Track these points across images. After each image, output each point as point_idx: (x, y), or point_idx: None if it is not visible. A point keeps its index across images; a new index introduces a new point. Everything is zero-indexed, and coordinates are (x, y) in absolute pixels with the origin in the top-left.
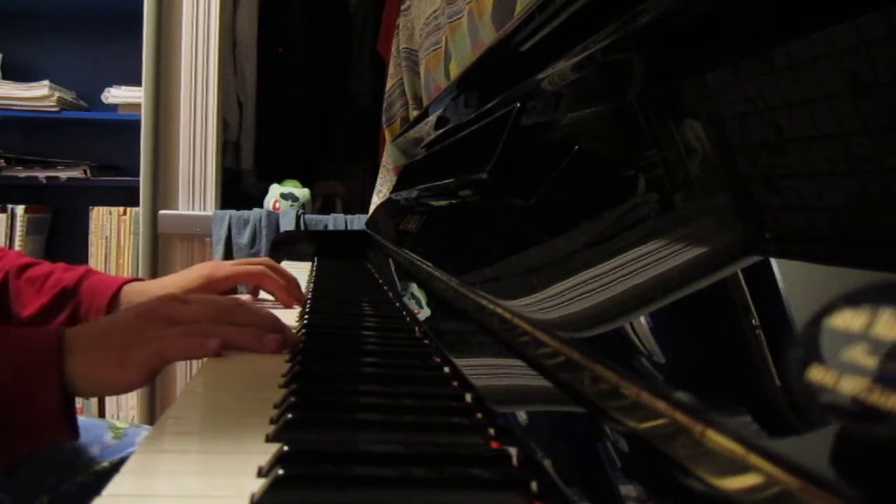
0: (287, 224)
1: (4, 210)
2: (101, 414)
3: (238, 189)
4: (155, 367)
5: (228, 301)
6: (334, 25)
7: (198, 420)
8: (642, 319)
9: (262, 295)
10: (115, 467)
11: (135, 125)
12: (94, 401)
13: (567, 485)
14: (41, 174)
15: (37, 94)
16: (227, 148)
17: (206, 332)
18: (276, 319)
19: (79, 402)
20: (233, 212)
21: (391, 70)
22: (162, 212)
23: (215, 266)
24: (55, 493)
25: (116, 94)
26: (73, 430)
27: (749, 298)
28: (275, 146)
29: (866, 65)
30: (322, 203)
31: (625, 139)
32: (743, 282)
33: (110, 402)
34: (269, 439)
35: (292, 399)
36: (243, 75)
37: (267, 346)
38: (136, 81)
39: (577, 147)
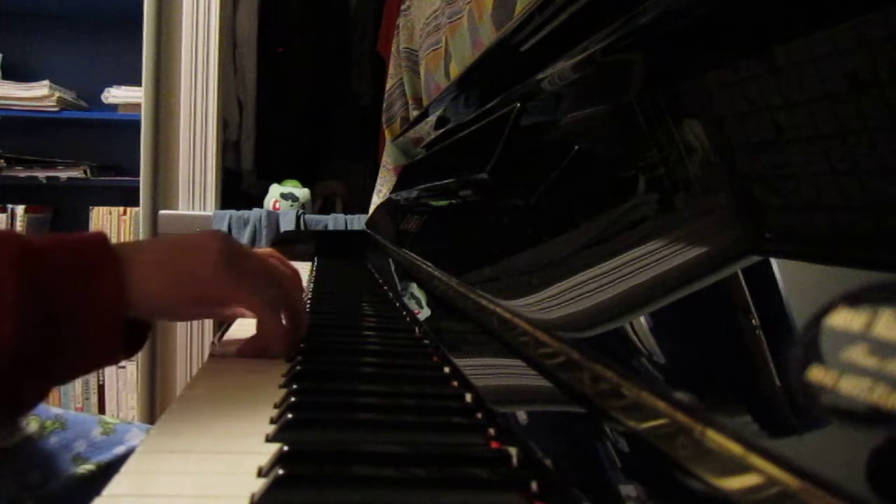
0: (287, 224)
1: (4, 210)
2: (102, 411)
3: (238, 189)
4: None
5: (294, 270)
6: (334, 25)
7: (198, 420)
8: (642, 319)
9: None
10: (102, 470)
11: (135, 125)
12: (94, 399)
13: (567, 485)
14: (41, 174)
15: (37, 94)
16: (227, 148)
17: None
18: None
19: (78, 400)
20: (233, 212)
21: (391, 70)
22: (162, 212)
23: None
24: (40, 496)
25: (116, 94)
26: (121, 347)
27: (749, 298)
28: (275, 146)
29: (866, 65)
30: (322, 203)
31: (625, 139)
32: (743, 282)
33: (110, 400)
34: (269, 439)
35: (292, 399)
36: (243, 75)
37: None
38: (136, 81)
39: (577, 147)
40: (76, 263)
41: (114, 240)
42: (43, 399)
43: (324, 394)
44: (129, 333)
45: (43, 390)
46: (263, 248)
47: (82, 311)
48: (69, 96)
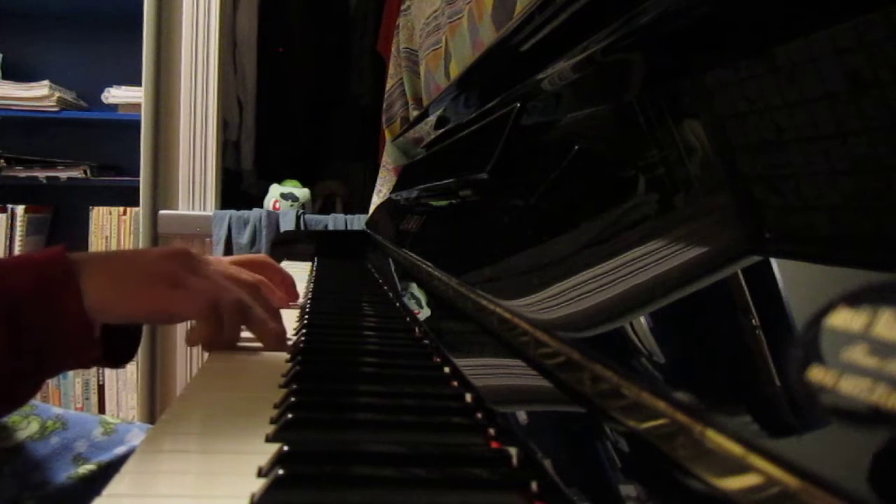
0: (287, 224)
1: (4, 210)
2: (102, 411)
3: (238, 189)
4: (162, 319)
5: (252, 283)
6: (334, 25)
7: (198, 420)
8: (642, 319)
9: None
10: (103, 470)
11: (135, 125)
12: (94, 399)
13: (567, 485)
14: (41, 174)
15: (37, 94)
16: (227, 148)
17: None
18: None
19: (78, 400)
20: (233, 212)
21: (391, 70)
22: (162, 212)
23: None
24: (40, 496)
25: (116, 94)
26: (95, 345)
27: (749, 298)
28: (275, 146)
29: (866, 65)
30: (322, 203)
31: (625, 139)
32: (743, 282)
33: (110, 400)
34: (269, 439)
35: (292, 399)
36: (243, 75)
37: (269, 342)
38: (136, 81)
39: (577, 147)
40: (38, 278)
41: (114, 240)
42: (32, 396)
43: (324, 394)
44: (116, 341)
45: (30, 389)
46: (256, 255)
47: (50, 320)
48: (69, 96)
